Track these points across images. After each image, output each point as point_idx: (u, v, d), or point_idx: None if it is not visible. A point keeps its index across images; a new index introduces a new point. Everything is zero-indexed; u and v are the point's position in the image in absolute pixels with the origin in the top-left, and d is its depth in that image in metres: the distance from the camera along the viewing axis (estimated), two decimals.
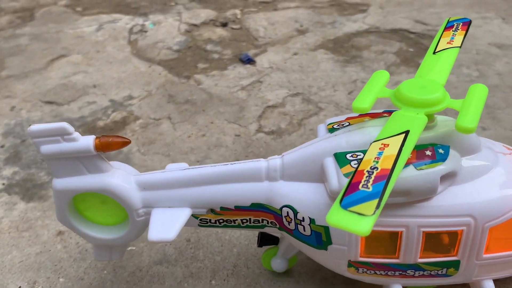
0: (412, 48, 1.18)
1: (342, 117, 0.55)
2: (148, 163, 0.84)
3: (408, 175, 0.46)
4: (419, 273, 0.51)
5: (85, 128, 0.94)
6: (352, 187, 0.38)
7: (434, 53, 0.54)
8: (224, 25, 1.35)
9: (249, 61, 1.15)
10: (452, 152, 0.48)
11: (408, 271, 0.51)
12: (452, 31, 0.57)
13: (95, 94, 1.04)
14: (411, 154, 0.47)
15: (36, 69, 1.15)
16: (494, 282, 0.53)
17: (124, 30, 1.32)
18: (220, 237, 0.68)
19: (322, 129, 0.55)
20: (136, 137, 0.90)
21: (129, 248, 0.67)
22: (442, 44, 0.55)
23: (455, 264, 0.50)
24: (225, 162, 0.53)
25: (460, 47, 0.55)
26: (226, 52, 1.21)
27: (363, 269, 0.52)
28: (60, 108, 1.00)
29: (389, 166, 0.39)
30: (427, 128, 0.48)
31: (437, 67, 0.52)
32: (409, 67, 1.09)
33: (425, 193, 0.47)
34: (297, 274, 0.62)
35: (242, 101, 1.00)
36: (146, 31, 1.31)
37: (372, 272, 0.52)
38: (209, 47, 1.23)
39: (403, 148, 0.41)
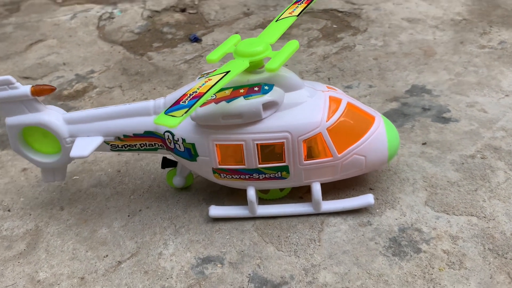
0: (336, 24, 1.37)
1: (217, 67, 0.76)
2: None
3: (239, 104, 0.66)
4: (262, 176, 0.72)
5: (53, 96, 1.15)
6: (177, 102, 0.59)
7: (276, 20, 0.74)
8: (182, 10, 1.55)
9: (196, 40, 1.36)
10: (275, 88, 0.68)
11: (254, 175, 0.72)
12: (298, 4, 0.77)
13: (64, 70, 1.26)
14: (243, 90, 0.68)
15: (17, 52, 1.36)
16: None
17: (95, 18, 1.53)
18: (143, 168, 0.89)
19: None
20: (92, 101, 1.12)
21: (74, 177, 0.88)
22: (285, 14, 0.75)
23: (286, 168, 0.71)
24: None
25: (298, 16, 0.75)
26: (179, 33, 1.41)
27: (223, 175, 0.73)
28: (34, 82, 1.22)
29: (204, 91, 0.59)
30: (256, 72, 0.69)
31: (273, 30, 0.72)
32: (327, 41, 1.29)
33: (253, 116, 0.67)
34: (194, 189, 0.83)
35: (182, 72, 1.21)
36: (113, 18, 1.52)
37: (230, 177, 0.73)
38: (165, 29, 1.44)
39: (219, 81, 0.61)
